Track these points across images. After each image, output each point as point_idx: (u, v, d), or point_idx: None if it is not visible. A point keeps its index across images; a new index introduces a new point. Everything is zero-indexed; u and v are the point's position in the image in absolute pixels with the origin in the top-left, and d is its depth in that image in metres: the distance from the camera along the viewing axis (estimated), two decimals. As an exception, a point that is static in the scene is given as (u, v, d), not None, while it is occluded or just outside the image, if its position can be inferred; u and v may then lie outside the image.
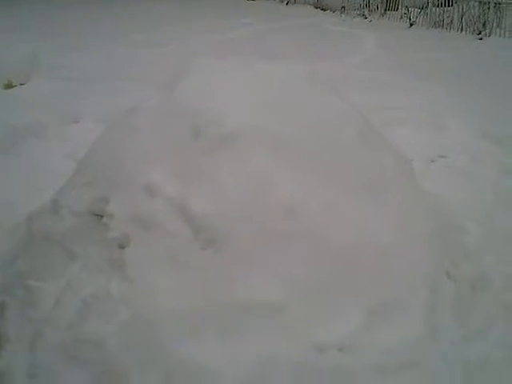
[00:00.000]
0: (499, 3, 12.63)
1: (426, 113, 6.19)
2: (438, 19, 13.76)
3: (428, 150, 5.10)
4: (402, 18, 14.58)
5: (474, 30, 12.83)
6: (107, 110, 5.51)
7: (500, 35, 12.38)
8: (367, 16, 15.43)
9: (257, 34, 12.00)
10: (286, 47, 9.71)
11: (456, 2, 13.45)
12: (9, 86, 7.39)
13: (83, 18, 12.42)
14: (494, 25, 12.55)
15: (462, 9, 13.13)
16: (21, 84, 7.50)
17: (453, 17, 13.40)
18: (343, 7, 16.11)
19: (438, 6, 13.84)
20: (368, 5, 15.63)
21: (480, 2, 12.86)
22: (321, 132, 2.91)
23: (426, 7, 13.98)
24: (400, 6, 15.03)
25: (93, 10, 13.47)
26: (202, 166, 2.70)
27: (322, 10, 16.83)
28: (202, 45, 9.78)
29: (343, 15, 15.77)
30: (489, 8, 12.67)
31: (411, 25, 14.09)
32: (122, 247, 2.66)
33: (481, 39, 12.31)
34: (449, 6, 13.73)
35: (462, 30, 13.19)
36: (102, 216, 2.78)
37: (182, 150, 2.76)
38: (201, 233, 2.60)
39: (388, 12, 15.38)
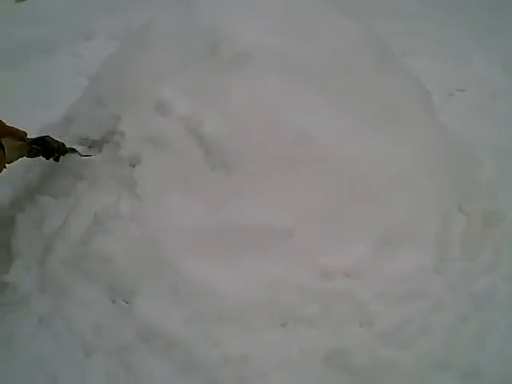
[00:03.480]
0: None
1: (448, 45, 5.97)
2: None
3: (447, 83, 4.94)
4: None
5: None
6: (121, 26, 5.36)
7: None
8: None
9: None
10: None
11: None
12: (21, -1, 7.21)
13: None
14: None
15: None
16: (33, -3, 7.31)
17: None
18: None
19: None
20: None
21: None
22: (337, 57, 2.80)
23: None
24: None
25: None
26: (214, 86, 2.62)
27: None
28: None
29: None
30: None
31: (439, -48, 13.49)
32: (132, 165, 2.64)
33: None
34: None
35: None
36: (113, 134, 2.75)
37: (195, 68, 2.67)
38: (211, 153, 2.56)
39: None
